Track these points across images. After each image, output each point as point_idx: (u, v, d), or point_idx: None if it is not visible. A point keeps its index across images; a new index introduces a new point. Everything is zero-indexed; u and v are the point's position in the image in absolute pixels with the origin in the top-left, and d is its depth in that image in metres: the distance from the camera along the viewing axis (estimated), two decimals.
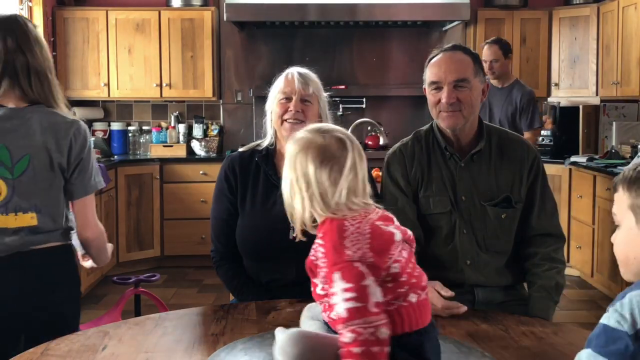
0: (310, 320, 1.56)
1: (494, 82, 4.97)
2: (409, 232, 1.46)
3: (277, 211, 2.19)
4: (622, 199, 1.25)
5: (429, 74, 2.22)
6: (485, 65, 4.77)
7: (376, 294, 1.32)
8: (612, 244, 1.31)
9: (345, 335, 1.29)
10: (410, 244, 1.46)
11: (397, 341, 1.34)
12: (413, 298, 1.38)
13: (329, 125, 1.53)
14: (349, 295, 1.31)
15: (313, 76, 2.27)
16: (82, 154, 2.13)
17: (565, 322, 2.02)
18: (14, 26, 2.12)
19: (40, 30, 2.22)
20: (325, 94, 2.29)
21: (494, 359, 1.59)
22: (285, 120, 2.19)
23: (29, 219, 2.07)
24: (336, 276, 1.33)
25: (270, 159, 2.27)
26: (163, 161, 5.92)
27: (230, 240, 2.26)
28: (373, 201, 1.47)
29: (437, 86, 2.19)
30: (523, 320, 1.96)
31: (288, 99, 2.20)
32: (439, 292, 1.97)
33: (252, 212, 2.23)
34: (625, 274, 1.29)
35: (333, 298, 1.34)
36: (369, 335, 1.28)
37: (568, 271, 5.08)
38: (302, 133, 1.48)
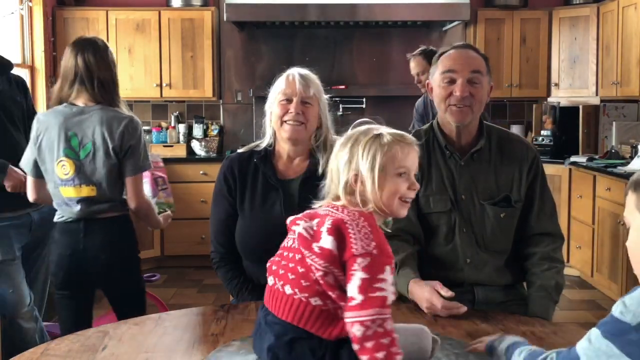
0: None
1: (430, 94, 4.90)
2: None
3: (276, 212, 2.19)
4: (630, 201, 1.26)
5: (442, 64, 2.19)
6: (415, 79, 4.77)
7: None
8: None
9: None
10: (299, 243, 1.45)
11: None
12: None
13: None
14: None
15: (314, 77, 2.26)
16: (131, 142, 2.72)
17: (565, 322, 2.02)
18: (89, 46, 2.84)
19: (112, 50, 2.99)
20: (325, 96, 2.29)
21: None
22: (285, 121, 2.18)
23: (89, 191, 2.72)
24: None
25: (268, 159, 2.27)
26: (163, 161, 5.89)
27: (230, 241, 2.26)
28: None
29: (451, 77, 2.16)
30: (523, 320, 1.97)
31: (289, 100, 2.19)
32: (438, 292, 1.97)
33: (251, 214, 2.23)
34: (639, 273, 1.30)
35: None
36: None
37: (568, 271, 5.08)
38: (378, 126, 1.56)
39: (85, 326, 2.43)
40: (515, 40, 6.16)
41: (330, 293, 1.38)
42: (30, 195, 2.89)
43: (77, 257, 2.73)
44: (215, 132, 6.31)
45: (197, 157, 6.08)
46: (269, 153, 2.28)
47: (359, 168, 1.45)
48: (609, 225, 4.84)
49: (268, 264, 1.48)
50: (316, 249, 1.39)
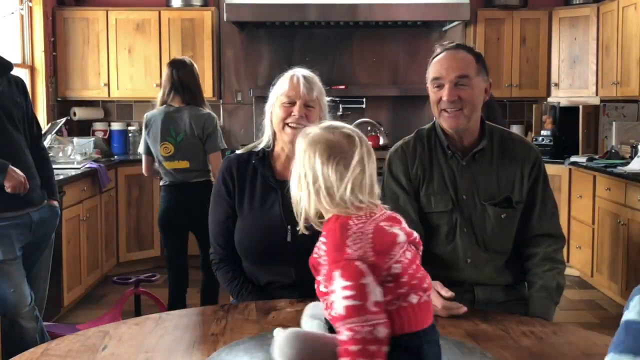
0: (311, 318, 1.56)
1: None
2: (415, 234, 1.45)
3: (275, 213, 2.18)
4: None
5: (431, 71, 2.22)
6: None
7: (375, 293, 1.31)
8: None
9: (343, 334, 1.29)
10: (416, 245, 1.45)
11: (396, 342, 1.33)
12: (414, 299, 1.37)
13: (338, 122, 1.53)
14: (347, 293, 1.30)
15: (316, 79, 2.25)
16: (209, 130, 4.09)
17: (565, 322, 2.03)
18: (180, 64, 4.17)
19: (195, 67, 4.25)
20: (326, 98, 2.28)
21: (495, 359, 1.59)
22: (288, 124, 2.17)
23: (185, 164, 4.09)
24: (336, 274, 1.33)
25: (267, 161, 2.26)
26: None
27: (229, 242, 2.25)
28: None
29: (438, 83, 2.18)
30: (523, 320, 1.96)
31: (292, 102, 2.18)
32: (438, 292, 1.97)
33: (250, 215, 2.22)
34: None
35: (332, 296, 1.33)
36: (366, 333, 1.28)
37: (568, 271, 5.08)
38: (312, 129, 1.48)
39: (180, 259, 4.26)
40: (515, 40, 6.17)
41: None
42: (145, 171, 4.33)
43: (175, 209, 4.08)
44: None
45: None
46: (267, 154, 2.27)
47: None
48: (608, 225, 4.84)
49: (425, 285, 1.42)
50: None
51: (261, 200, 2.22)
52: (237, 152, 2.36)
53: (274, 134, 2.25)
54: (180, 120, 4.07)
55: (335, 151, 1.42)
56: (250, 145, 2.34)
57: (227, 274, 2.26)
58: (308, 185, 1.43)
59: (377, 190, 1.46)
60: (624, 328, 1.15)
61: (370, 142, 1.49)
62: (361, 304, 1.29)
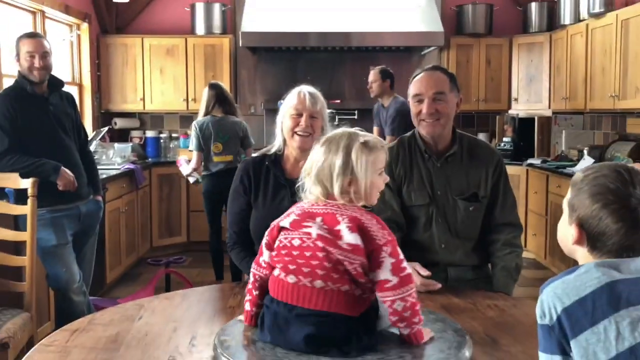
0: None
1: (380, 100, 5.06)
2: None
3: (284, 206, 2.17)
4: (568, 194, 1.25)
5: (413, 88, 2.22)
6: (368, 85, 5.03)
7: (264, 255, 1.55)
8: None
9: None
10: (322, 243, 1.42)
11: (266, 298, 1.50)
12: (275, 272, 1.48)
13: (341, 129, 1.55)
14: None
15: (319, 95, 2.23)
16: (245, 132, 4.65)
17: (523, 297, 2.03)
18: (219, 86, 4.67)
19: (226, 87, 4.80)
20: (327, 110, 2.28)
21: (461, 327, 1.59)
22: (296, 132, 2.17)
23: (230, 158, 4.54)
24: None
25: (278, 162, 2.25)
26: (188, 162, 5.89)
27: (242, 229, 2.22)
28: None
29: (419, 98, 2.18)
30: (488, 295, 1.96)
31: (299, 114, 2.17)
32: (417, 272, 1.97)
33: (263, 208, 2.21)
34: (564, 250, 1.29)
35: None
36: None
37: (525, 255, 5.08)
38: (352, 130, 1.52)
39: (218, 221, 4.73)
40: (481, 62, 6.16)
41: (360, 280, 1.39)
42: (196, 164, 4.61)
43: (220, 188, 4.32)
44: None
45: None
46: (279, 157, 2.27)
47: (355, 173, 1.44)
48: (559, 216, 4.82)
49: (280, 265, 1.43)
50: (344, 246, 1.38)
51: (273, 195, 2.21)
52: (252, 155, 2.36)
53: (284, 140, 2.24)
54: (225, 126, 4.53)
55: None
56: (263, 150, 2.33)
57: (239, 253, 2.22)
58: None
59: (328, 184, 1.47)
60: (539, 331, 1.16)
61: None
62: (256, 257, 1.56)
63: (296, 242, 1.42)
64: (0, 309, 2.63)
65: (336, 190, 1.43)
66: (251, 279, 1.54)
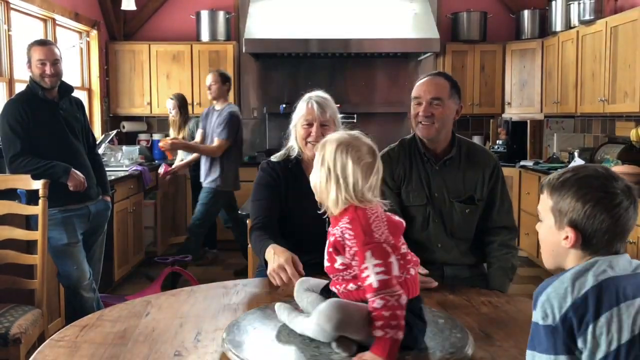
0: (305, 292, 1.55)
1: (215, 103, 4.80)
2: (404, 222, 1.49)
3: (310, 206, 2.13)
4: (545, 201, 1.24)
5: (414, 91, 2.22)
6: (207, 86, 4.77)
7: (396, 269, 1.34)
8: None
9: (377, 302, 1.30)
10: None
11: (415, 301, 1.40)
12: (412, 271, 1.41)
13: (360, 134, 1.53)
14: (380, 269, 1.32)
15: (329, 101, 2.22)
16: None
17: (516, 294, 2.03)
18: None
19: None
20: (339, 115, 2.27)
21: (458, 321, 1.59)
22: (309, 142, 2.17)
23: None
24: (368, 254, 1.34)
25: (299, 166, 2.25)
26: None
27: (266, 216, 2.18)
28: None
29: (418, 101, 2.19)
30: (483, 292, 1.96)
31: (310, 124, 2.17)
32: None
33: (292, 207, 2.20)
34: (546, 262, 1.28)
35: (364, 272, 1.33)
36: (394, 301, 1.30)
37: (518, 253, 5.09)
38: (340, 134, 1.50)
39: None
40: (475, 67, 6.16)
41: None
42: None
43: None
44: None
45: None
46: (299, 161, 2.27)
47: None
48: None
49: (410, 257, 1.43)
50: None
51: (300, 195, 2.15)
52: (272, 159, 2.32)
53: (300, 148, 2.24)
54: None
55: (363, 157, 1.45)
56: (281, 154, 2.30)
57: (258, 236, 2.13)
58: (337, 178, 1.43)
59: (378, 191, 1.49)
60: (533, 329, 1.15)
61: None
62: (389, 278, 1.32)
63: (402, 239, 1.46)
64: (12, 306, 2.63)
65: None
66: (404, 301, 1.32)
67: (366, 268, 1.33)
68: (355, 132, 1.52)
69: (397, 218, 1.45)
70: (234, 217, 4.95)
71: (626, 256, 1.18)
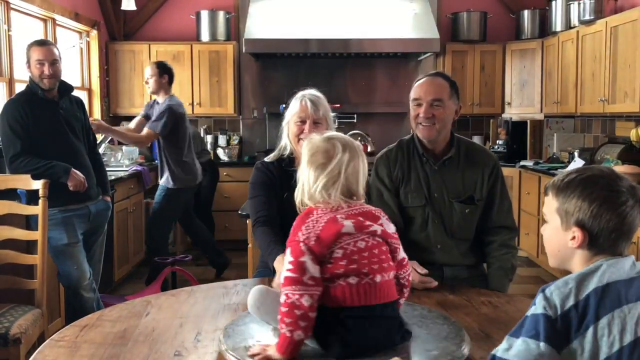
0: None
1: (156, 97, 4.58)
2: (389, 230, 1.44)
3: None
4: (551, 203, 1.24)
5: (414, 92, 2.21)
6: (146, 80, 4.57)
7: (312, 270, 1.34)
8: None
9: (281, 297, 1.35)
10: (386, 239, 1.43)
11: (332, 311, 1.34)
12: (352, 280, 1.35)
13: (336, 133, 1.53)
14: (289, 266, 1.35)
15: (322, 100, 2.22)
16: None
17: (516, 294, 2.02)
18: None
19: None
20: (332, 114, 2.27)
21: (457, 322, 1.59)
22: (301, 139, 2.17)
23: None
24: (287, 251, 1.39)
25: (293, 165, 2.26)
26: None
27: (267, 209, 2.19)
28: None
29: (418, 102, 2.18)
30: (483, 292, 1.96)
31: (303, 121, 2.17)
32: (415, 270, 1.97)
33: (288, 205, 2.19)
34: (551, 262, 1.28)
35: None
36: (295, 299, 1.32)
37: (518, 253, 5.09)
38: (314, 136, 1.52)
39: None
40: (475, 68, 6.16)
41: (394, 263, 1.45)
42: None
43: None
44: (236, 142, 6.30)
45: (221, 161, 6.07)
46: (292, 160, 2.27)
47: (366, 175, 1.50)
48: None
49: (365, 269, 1.36)
50: (394, 235, 1.46)
51: (292, 195, 2.16)
52: (266, 159, 2.33)
53: (291, 145, 2.24)
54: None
55: (316, 157, 1.45)
56: (275, 154, 2.31)
57: (265, 233, 2.14)
58: (302, 184, 1.47)
59: (357, 189, 1.45)
60: (533, 320, 1.14)
61: (358, 149, 1.49)
62: (297, 277, 1.33)
63: (362, 245, 1.39)
64: (12, 306, 2.63)
65: (361, 191, 1.47)
66: (306, 302, 1.31)
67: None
68: (330, 132, 1.53)
69: (343, 222, 1.38)
70: (187, 221, 4.86)
71: (631, 258, 1.19)
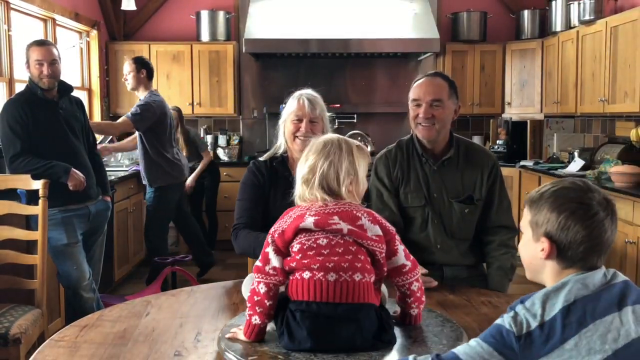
0: None
1: (137, 93, 4.42)
2: (368, 233, 1.42)
3: (293, 204, 2.16)
4: (525, 215, 1.25)
5: (412, 93, 2.20)
6: (124, 77, 4.41)
7: (273, 261, 1.42)
8: None
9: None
10: (357, 239, 1.41)
11: (288, 303, 1.41)
12: (306, 275, 1.38)
13: (331, 135, 1.56)
14: (260, 257, 1.45)
15: (319, 99, 2.22)
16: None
17: (516, 294, 2.02)
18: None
19: None
20: (327, 113, 2.27)
21: (456, 323, 1.60)
22: (297, 136, 2.17)
23: None
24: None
25: (285, 164, 2.25)
26: None
27: (250, 216, 2.19)
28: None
29: (417, 103, 2.18)
30: (482, 292, 1.97)
31: (299, 120, 2.18)
32: None
33: (274, 205, 2.20)
34: (527, 274, 1.29)
35: None
36: (255, 286, 1.43)
37: (517, 253, 5.08)
38: (339, 135, 1.56)
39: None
40: (475, 68, 6.16)
41: (384, 268, 1.45)
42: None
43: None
44: (236, 142, 6.30)
45: (221, 161, 6.07)
46: (285, 159, 2.27)
47: (357, 174, 1.49)
48: None
49: (316, 266, 1.37)
50: (374, 237, 1.42)
51: (283, 193, 2.17)
52: (260, 159, 2.33)
53: (286, 143, 2.24)
54: None
55: (307, 159, 1.51)
56: (269, 153, 2.31)
57: (247, 234, 2.15)
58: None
59: (336, 186, 1.45)
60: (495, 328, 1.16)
61: (342, 148, 1.49)
62: (261, 266, 1.43)
63: (323, 242, 1.40)
64: (12, 306, 2.63)
65: (343, 190, 1.46)
66: (262, 289, 1.40)
67: None
68: (327, 135, 1.56)
69: (305, 218, 1.41)
70: (182, 221, 4.83)
71: (601, 271, 1.17)
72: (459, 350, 1.16)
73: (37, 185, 2.74)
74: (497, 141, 6.09)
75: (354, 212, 1.43)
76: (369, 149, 5.82)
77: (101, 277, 3.55)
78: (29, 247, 2.93)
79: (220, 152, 6.13)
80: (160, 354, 1.45)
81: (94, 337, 1.56)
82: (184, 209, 4.87)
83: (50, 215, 2.86)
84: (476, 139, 6.08)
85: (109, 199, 3.45)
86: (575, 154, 5.14)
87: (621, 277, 1.18)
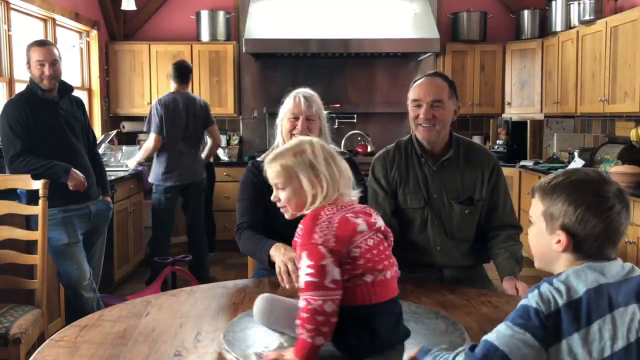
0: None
1: None
2: (380, 224, 1.45)
3: None
4: (537, 205, 1.23)
5: (412, 93, 2.19)
6: None
7: (333, 273, 1.31)
8: None
9: (301, 302, 1.31)
10: (384, 234, 1.45)
11: (353, 312, 1.34)
12: (368, 278, 1.36)
13: (309, 137, 1.58)
14: (309, 271, 1.31)
15: (316, 97, 2.23)
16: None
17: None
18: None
19: None
20: (325, 112, 2.27)
21: (457, 322, 1.60)
22: (294, 135, 2.16)
23: None
24: (303, 255, 1.34)
25: None
26: None
27: (252, 215, 2.20)
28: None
29: (417, 104, 2.17)
30: (482, 292, 1.96)
31: (296, 118, 2.18)
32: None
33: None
34: (536, 264, 1.28)
35: (300, 271, 1.35)
36: (317, 305, 1.28)
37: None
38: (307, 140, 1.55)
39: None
40: (475, 68, 6.16)
41: None
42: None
43: None
44: (236, 142, 6.30)
45: (221, 161, 6.07)
46: None
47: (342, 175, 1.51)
48: None
49: (381, 266, 1.38)
50: (389, 230, 1.48)
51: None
52: (258, 158, 2.34)
53: (284, 141, 2.24)
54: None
55: (310, 164, 1.49)
56: (268, 152, 2.31)
57: (250, 236, 2.15)
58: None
59: (347, 184, 1.47)
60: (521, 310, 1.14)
61: (333, 146, 1.53)
62: (318, 281, 1.30)
63: (371, 242, 1.40)
64: (12, 306, 2.63)
65: (355, 193, 1.51)
66: (329, 308, 1.29)
67: (301, 268, 1.34)
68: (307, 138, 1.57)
69: (356, 220, 1.39)
70: (191, 230, 4.82)
71: (618, 262, 1.18)
72: (491, 337, 1.14)
73: (37, 185, 2.74)
74: (497, 141, 6.09)
75: (366, 208, 1.47)
76: (368, 149, 5.83)
77: (101, 277, 3.55)
78: (29, 247, 2.93)
79: (221, 152, 6.12)
80: (160, 354, 1.45)
81: (94, 337, 1.56)
82: (197, 217, 4.81)
83: (51, 215, 2.86)
84: (476, 139, 6.08)
85: (109, 199, 3.45)
86: (575, 154, 5.14)
87: (638, 271, 1.19)
